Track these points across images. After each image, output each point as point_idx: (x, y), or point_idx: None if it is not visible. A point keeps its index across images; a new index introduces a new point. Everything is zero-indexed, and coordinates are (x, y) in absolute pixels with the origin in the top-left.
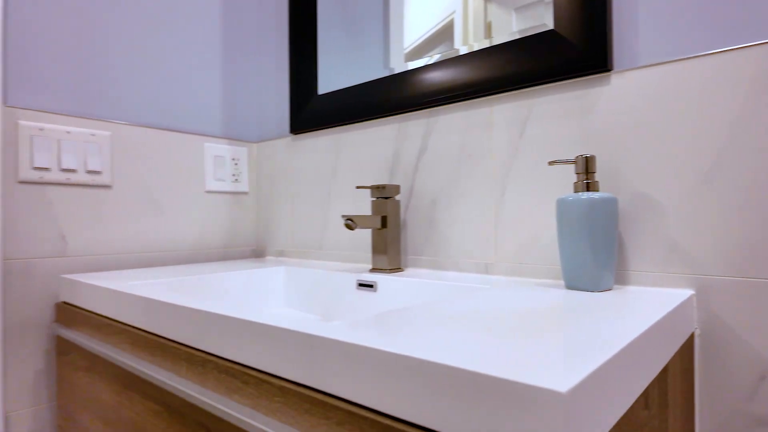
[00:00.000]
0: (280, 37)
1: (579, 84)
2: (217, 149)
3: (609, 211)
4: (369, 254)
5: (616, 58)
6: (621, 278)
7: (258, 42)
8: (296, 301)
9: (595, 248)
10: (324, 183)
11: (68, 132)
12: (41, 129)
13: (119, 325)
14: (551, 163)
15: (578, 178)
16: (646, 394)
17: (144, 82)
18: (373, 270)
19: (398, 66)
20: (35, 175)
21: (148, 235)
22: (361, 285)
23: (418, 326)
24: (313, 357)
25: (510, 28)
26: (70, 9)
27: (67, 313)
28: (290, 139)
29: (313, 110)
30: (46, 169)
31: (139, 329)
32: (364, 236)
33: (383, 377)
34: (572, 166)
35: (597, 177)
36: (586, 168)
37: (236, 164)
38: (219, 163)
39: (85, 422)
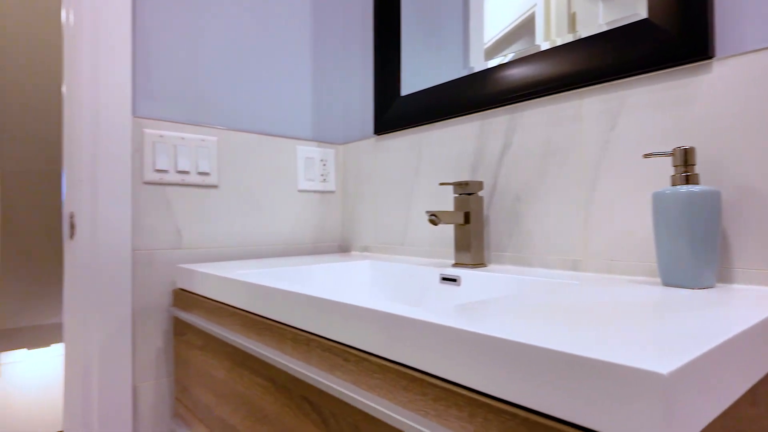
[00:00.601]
0: (365, 43)
1: (676, 73)
2: (307, 151)
3: (710, 205)
4: (451, 250)
5: (717, 44)
6: (724, 276)
7: (344, 48)
8: (381, 292)
9: (695, 244)
10: (406, 181)
11: (183, 138)
12: (161, 136)
13: (229, 308)
14: (646, 155)
15: (676, 170)
16: (753, 392)
17: (244, 91)
18: (456, 265)
19: (478, 64)
20: (157, 177)
21: (249, 230)
22: (444, 279)
23: (510, 314)
24: (411, 338)
25: (596, 19)
26: (182, 32)
27: (183, 298)
28: (374, 140)
29: (396, 111)
30: (165, 171)
31: (248, 312)
32: (446, 233)
33: (480, 358)
34: (669, 159)
35: (697, 169)
36: (685, 160)
37: (324, 165)
38: (309, 164)
39: (198, 395)
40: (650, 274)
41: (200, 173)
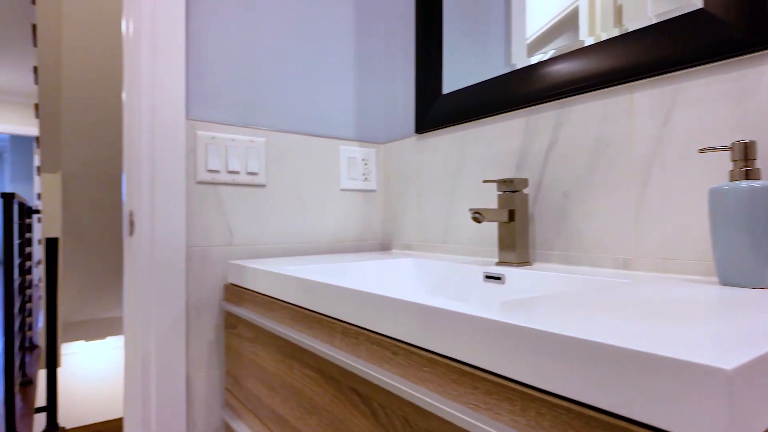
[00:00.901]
0: (407, 42)
1: (735, 65)
2: (350, 151)
3: None
4: (493, 248)
5: None
6: None
7: (386, 48)
8: (423, 289)
9: (757, 241)
10: (448, 179)
11: (233, 139)
12: (213, 137)
13: (279, 302)
14: (702, 150)
15: (735, 165)
16: None
17: (291, 94)
18: (500, 263)
19: (520, 61)
20: (209, 177)
21: (294, 228)
22: (488, 277)
23: (562, 310)
24: (462, 333)
25: (645, 12)
26: (232, 38)
27: (234, 292)
28: (415, 139)
29: (438, 110)
30: (216, 171)
31: (298, 306)
32: (488, 231)
33: (533, 354)
34: (726, 154)
35: (758, 164)
36: (745, 154)
37: (366, 164)
38: (352, 163)
39: (248, 386)
40: (707, 273)
41: (249, 173)
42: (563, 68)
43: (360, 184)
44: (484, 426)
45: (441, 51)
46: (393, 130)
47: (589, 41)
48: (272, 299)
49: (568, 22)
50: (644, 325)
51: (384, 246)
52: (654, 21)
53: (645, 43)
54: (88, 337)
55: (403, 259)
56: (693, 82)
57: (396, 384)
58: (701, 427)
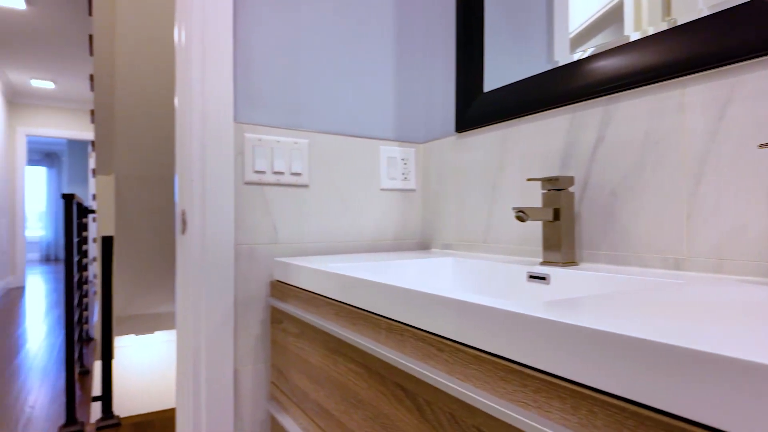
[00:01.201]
0: (447, 41)
1: None
2: (389, 151)
3: None
4: (536, 248)
5: None
6: None
7: (425, 49)
8: (465, 289)
9: None
10: (489, 178)
11: (278, 141)
12: (260, 140)
13: (324, 298)
14: (762, 146)
15: None
16: None
17: (332, 96)
18: (545, 263)
19: (563, 57)
20: (256, 177)
21: (336, 227)
22: (532, 277)
23: (613, 309)
24: (511, 332)
25: (696, 3)
26: (277, 43)
27: (280, 289)
28: (455, 138)
29: (478, 108)
30: (263, 172)
31: (342, 302)
32: (531, 230)
33: (586, 352)
34: None
35: None
36: None
37: (405, 164)
38: (391, 163)
39: (294, 380)
40: (766, 274)
41: (293, 174)
42: (610, 64)
43: (399, 184)
44: (534, 423)
45: (482, 49)
46: (432, 129)
47: (634, 36)
48: (316, 296)
49: (612, 17)
50: (701, 325)
51: (423, 245)
52: (706, 13)
53: (698, 36)
54: (138, 332)
55: (444, 258)
56: (751, 74)
57: (442, 380)
58: (763, 428)
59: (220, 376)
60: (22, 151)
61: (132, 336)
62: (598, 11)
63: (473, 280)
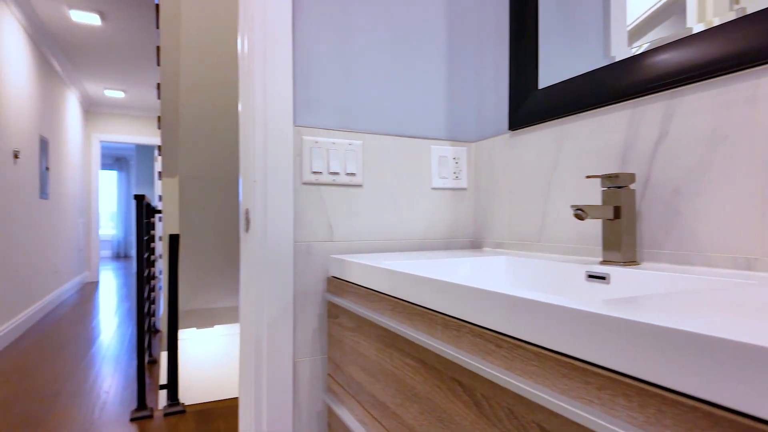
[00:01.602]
0: (499, 39)
1: None
2: (441, 150)
3: None
4: (594, 248)
5: None
6: None
7: (477, 46)
8: (520, 288)
9: None
10: (543, 176)
11: (334, 143)
12: (316, 142)
13: (379, 294)
14: None
15: None
16: None
17: (385, 98)
18: (604, 262)
19: (620, 51)
20: (313, 178)
21: (388, 226)
22: (591, 276)
23: (682, 307)
24: (573, 329)
25: None
26: (333, 50)
27: (336, 284)
28: (507, 136)
29: (532, 105)
30: (319, 173)
31: (397, 298)
32: (588, 229)
33: (655, 350)
34: None
35: None
36: None
37: (456, 163)
38: (443, 162)
39: (350, 373)
40: None
41: (348, 174)
42: (674, 57)
43: (451, 183)
44: (598, 420)
45: (536, 44)
46: (484, 128)
47: (698, 28)
48: (372, 291)
49: (673, 8)
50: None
51: (474, 244)
52: None
53: None
54: (199, 325)
55: (496, 257)
56: None
57: (501, 376)
58: None
59: (280, 367)
60: (96, 156)
61: (193, 329)
62: (657, 3)
63: (528, 279)
